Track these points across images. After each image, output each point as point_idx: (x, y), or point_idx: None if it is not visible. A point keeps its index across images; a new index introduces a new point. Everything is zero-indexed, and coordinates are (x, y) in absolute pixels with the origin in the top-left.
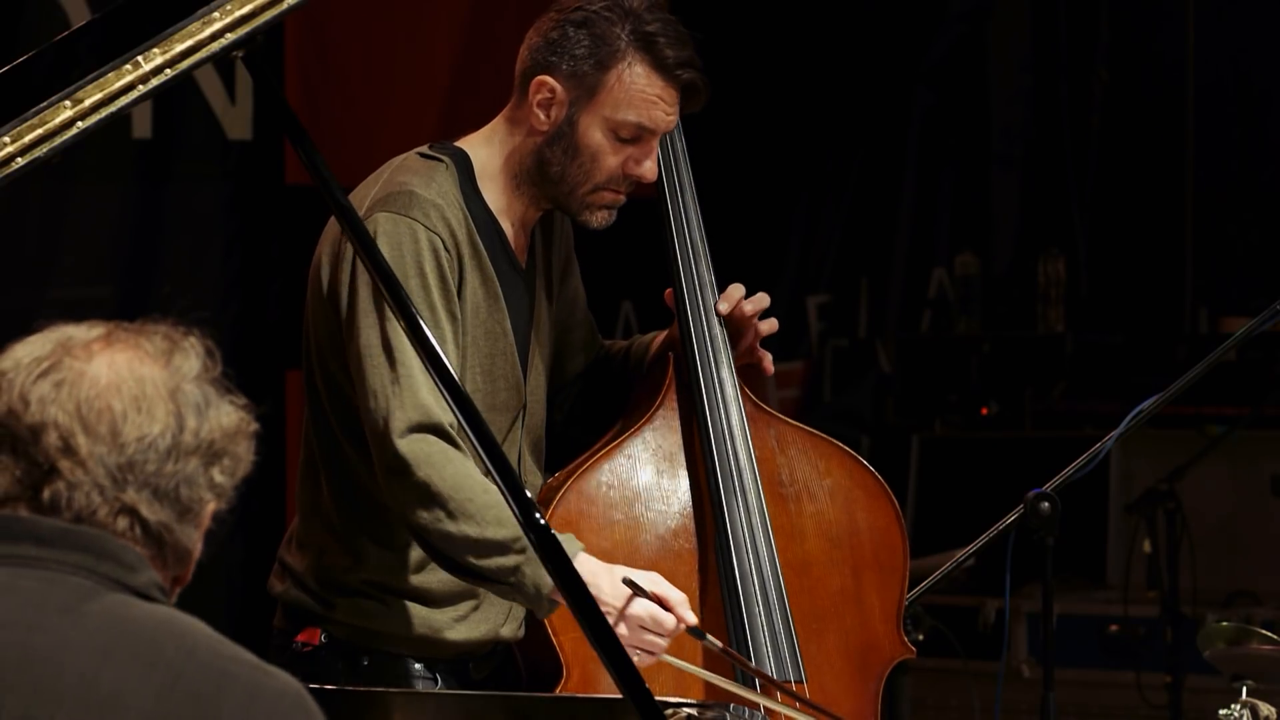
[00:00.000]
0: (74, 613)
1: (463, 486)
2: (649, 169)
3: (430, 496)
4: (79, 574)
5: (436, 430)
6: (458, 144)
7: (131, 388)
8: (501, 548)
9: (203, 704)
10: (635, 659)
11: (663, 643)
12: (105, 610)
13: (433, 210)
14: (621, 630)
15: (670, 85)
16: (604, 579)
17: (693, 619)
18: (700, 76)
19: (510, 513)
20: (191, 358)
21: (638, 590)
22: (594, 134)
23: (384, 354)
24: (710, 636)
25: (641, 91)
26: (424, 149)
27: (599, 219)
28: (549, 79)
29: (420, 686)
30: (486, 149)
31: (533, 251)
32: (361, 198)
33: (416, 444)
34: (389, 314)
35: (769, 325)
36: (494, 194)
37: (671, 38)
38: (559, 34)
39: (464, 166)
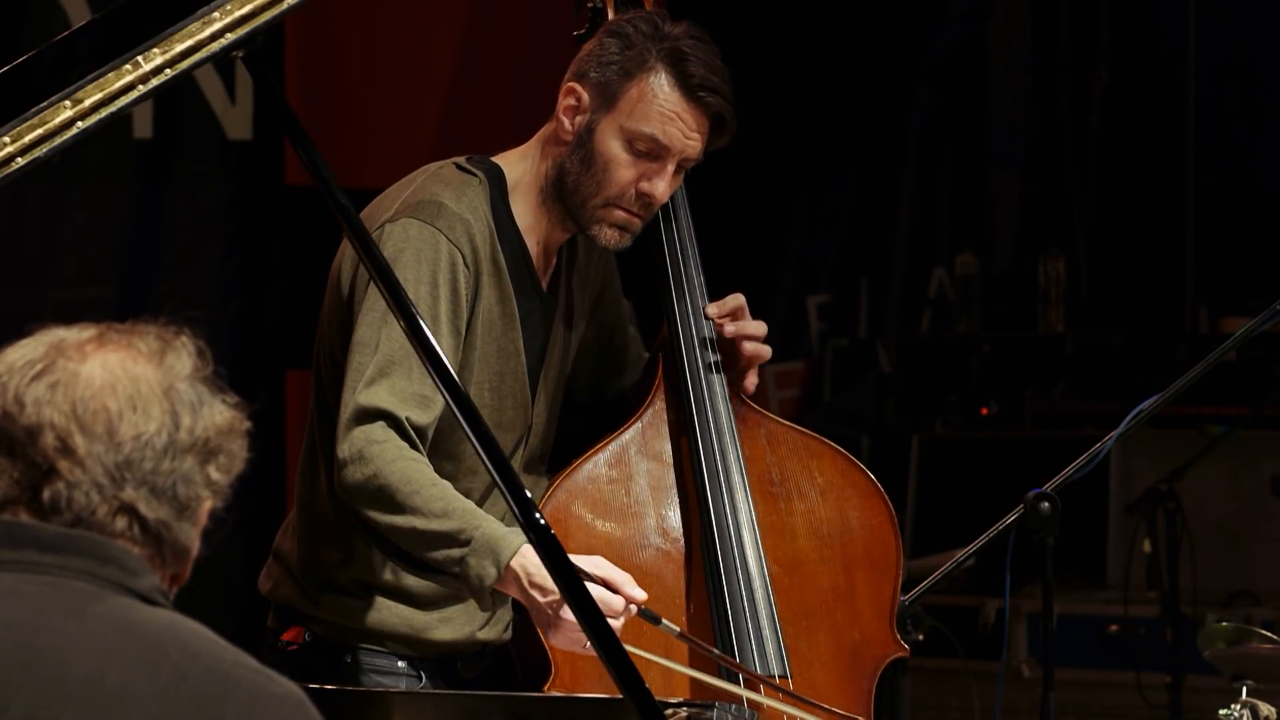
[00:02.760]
0: (78, 615)
1: (410, 479)
2: (660, 189)
3: (378, 489)
4: (82, 579)
5: (389, 420)
6: (495, 159)
7: (126, 387)
8: (446, 540)
9: (206, 706)
10: (586, 646)
11: (615, 624)
12: (109, 612)
13: (459, 224)
14: (567, 616)
15: (692, 105)
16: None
17: (641, 596)
18: (725, 106)
19: (458, 505)
20: (184, 357)
21: (582, 575)
22: (610, 143)
23: (370, 350)
24: (666, 620)
25: (660, 105)
26: (461, 161)
27: (608, 236)
28: (577, 86)
29: (404, 685)
30: (520, 165)
31: (558, 274)
32: (392, 200)
33: (367, 434)
34: (391, 316)
35: (755, 350)
36: (523, 212)
37: (702, 61)
38: (597, 45)
39: (498, 183)
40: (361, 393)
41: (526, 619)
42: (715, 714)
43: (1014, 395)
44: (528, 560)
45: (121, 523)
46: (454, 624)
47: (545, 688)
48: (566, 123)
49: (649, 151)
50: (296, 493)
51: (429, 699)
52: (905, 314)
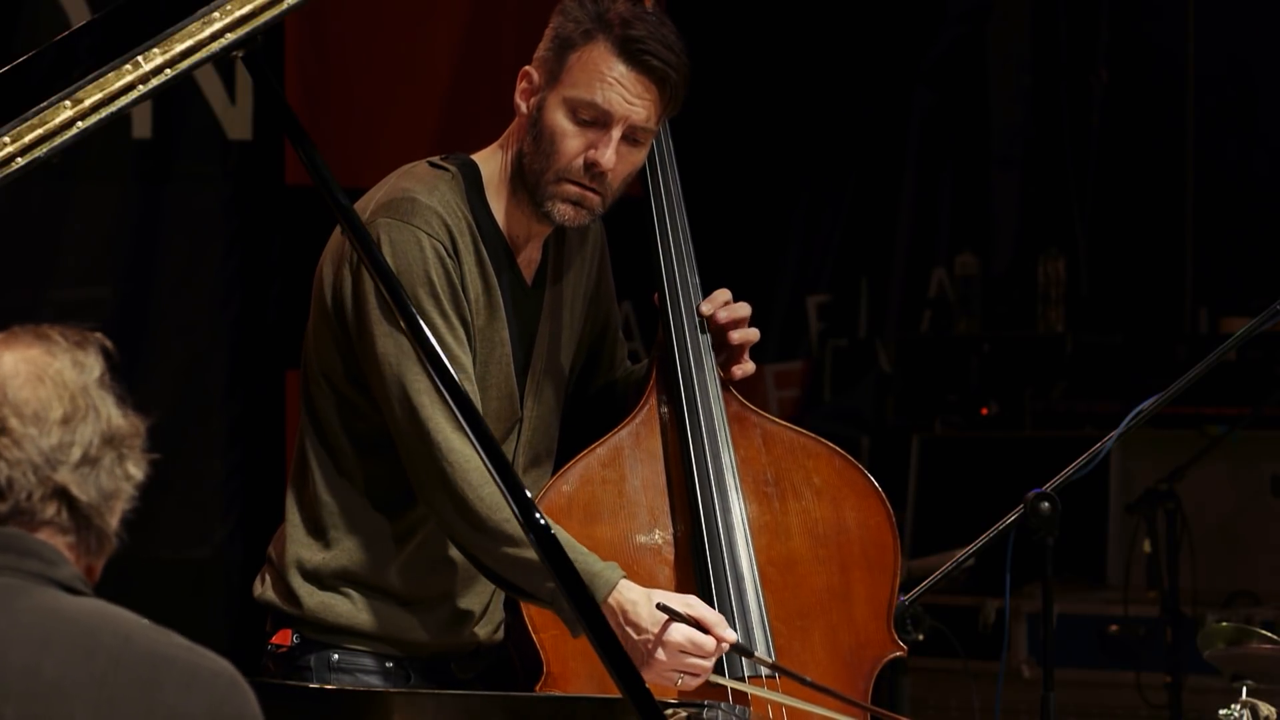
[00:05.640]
0: (8, 610)
1: (500, 506)
2: (606, 156)
3: (467, 513)
4: (5, 574)
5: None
6: (472, 156)
7: (52, 377)
8: (541, 571)
9: (144, 688)
10: (679, 682)
11: (706, 664)
12: (38, 605)
13: (434, 217)
14: (660, 656)
15: (632, 69)
16: (643, 608)
17: (733, 637)
18: (668, 69)
19: None
20: (94, 358)
21: (674, 615)
22: (555, 115)
23: (404, 361)
24: (758, 653)
25: (600, 72)
26: (434, 158)
27: (563, 212)
28: (529, 69)
29: (391, 684)
30: (493, 160)
31: (544, 268)
32: (367, 202)
33: (447, 451)
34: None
35: (743, 335)
36: (500, 206)
37: (642, 25)
38: (548, 27)
39: (471, 177)
40: (426, 411)
41: (519, 617)
42: (707, 713)
43: (1014, 395)
44: (623, 598)
45: (52, 509)
46: (441, 623)
47: (537, 687)
48: (523, 106)
49: (593, 120)
50: (287, 494)
51: (429, 699)
52: (905, 314)
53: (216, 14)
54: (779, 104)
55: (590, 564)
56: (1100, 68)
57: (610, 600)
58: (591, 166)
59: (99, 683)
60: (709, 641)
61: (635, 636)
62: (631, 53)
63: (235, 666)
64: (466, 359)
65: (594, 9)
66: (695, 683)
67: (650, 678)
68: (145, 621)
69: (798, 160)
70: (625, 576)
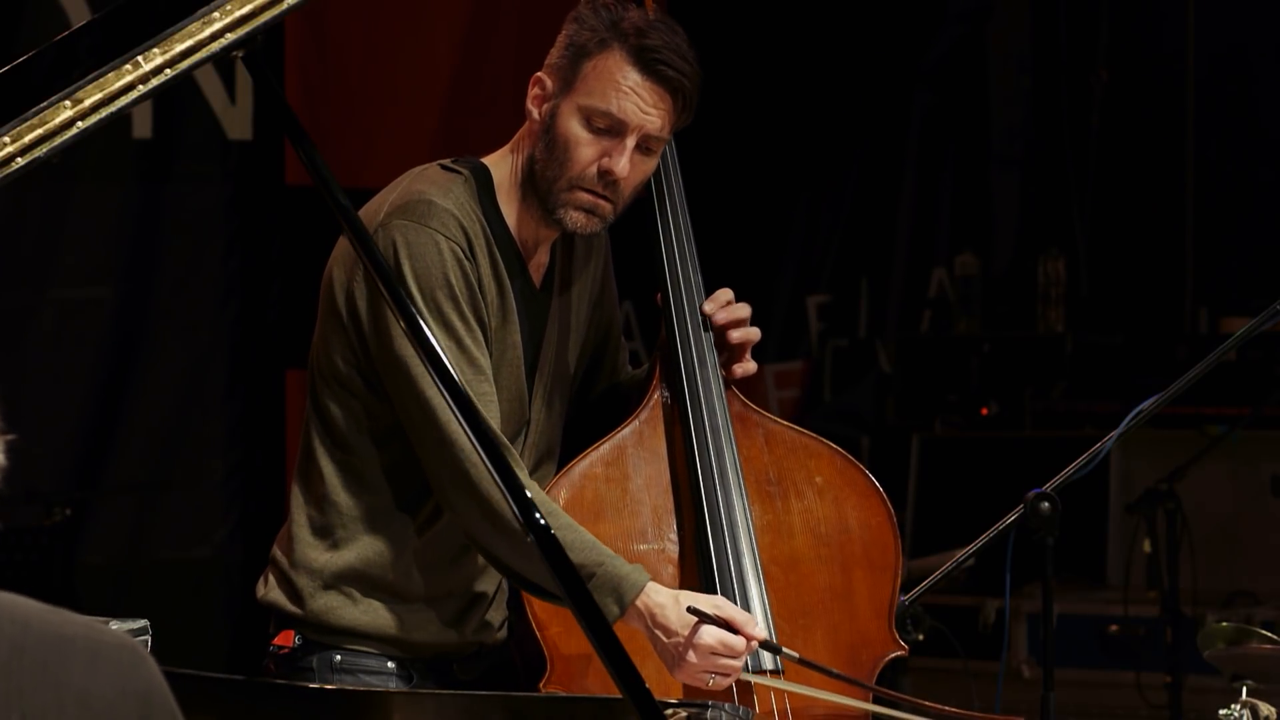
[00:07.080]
0: None
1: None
2: (620, 165)
3: (492, 515)
4: None
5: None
6: (482, 160)
7: None
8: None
9: (50, 671)
10: (711, 683)
11: (736, 664)
12: None
13: (450, 220)
14: (691, 658)
15: (647, 79)
16: (671, 610)
17: (762, 634)
18: (682, 79)
19: (576, 537)
20: None
21: (703, 617)
22: (569, 123)
23: (427, 364)
24: (786, 649)
25: (615, 80)
26: (446, 161)
27: (574, 219)
28: (542, 75)
29: (394, 685)
30: (504, 164)
31: (552, 271)
32: (380, 204)
33: (468, 461)
34: (426, 321)
35: (743, 335)
36: (510, 209)
37: (657, 35)
38: (561, 34)
39: (483, 181)
40: (442, 411)
41: (522, 615)
42: (710, 713)
43: (1014, 395)
44: (652, 600)
45: None
46: (442, 624)
47: (541, 684)
48: (535, 112)
49: (608, 128)
50: (291, 496)
51: (429, 699)
52: (905, 314)
53: (216, 14)
54: (780, 104)
55: (618, 567)
56: (1100, 68)
57: (638, 603)
58: (605, 175)
59: (4, 672)
60: (739, 641)
61: (665, 639)
62: (647, 62)
63: (237, 668)
64: (486, 361)
65: (608, 17)
66: (727, 682)
67: (682, 679)
68: (38, 603)
69: (798, 160)
70: (651, 579)
